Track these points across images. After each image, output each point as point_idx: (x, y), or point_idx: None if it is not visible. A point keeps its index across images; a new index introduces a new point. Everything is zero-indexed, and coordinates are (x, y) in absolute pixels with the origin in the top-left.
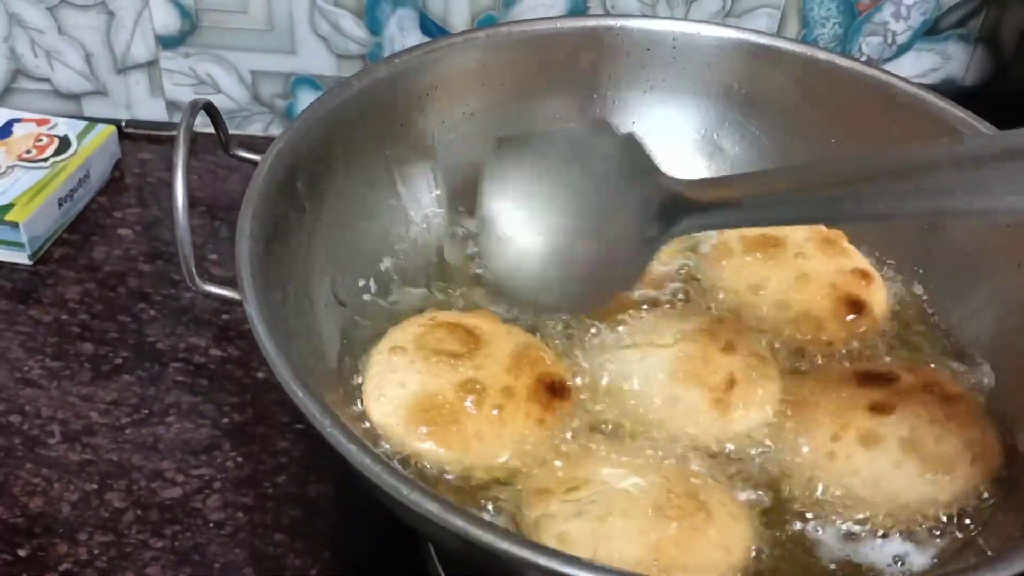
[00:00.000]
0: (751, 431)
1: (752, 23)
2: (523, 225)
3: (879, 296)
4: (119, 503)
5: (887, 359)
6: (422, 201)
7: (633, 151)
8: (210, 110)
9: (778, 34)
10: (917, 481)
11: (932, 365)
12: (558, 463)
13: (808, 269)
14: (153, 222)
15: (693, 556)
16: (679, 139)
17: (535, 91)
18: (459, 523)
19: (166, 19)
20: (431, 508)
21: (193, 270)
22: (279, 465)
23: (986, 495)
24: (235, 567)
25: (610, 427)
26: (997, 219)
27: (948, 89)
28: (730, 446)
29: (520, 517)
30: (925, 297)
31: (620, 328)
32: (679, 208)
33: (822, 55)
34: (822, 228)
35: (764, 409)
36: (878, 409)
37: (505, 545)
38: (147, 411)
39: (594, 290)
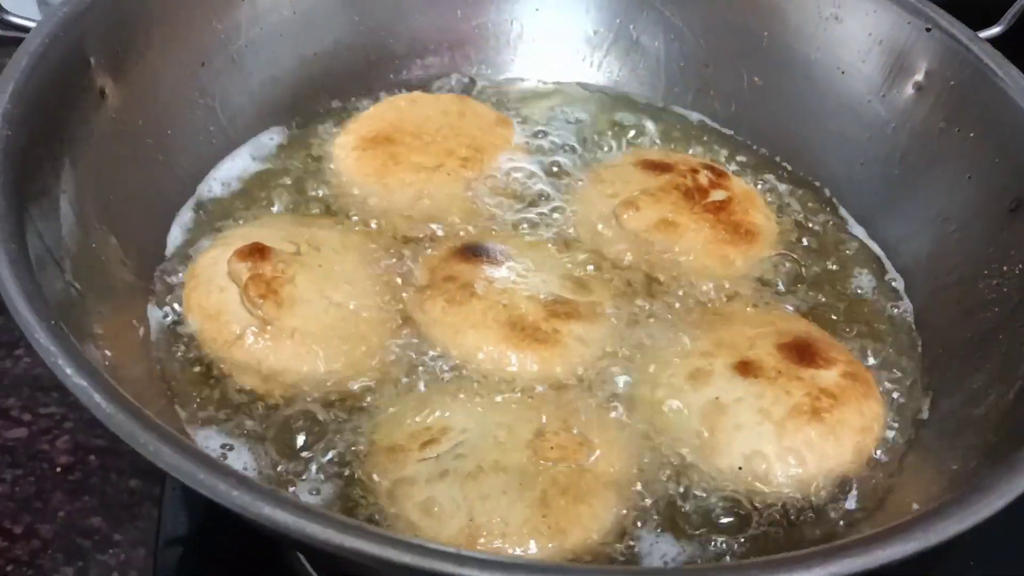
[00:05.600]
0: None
1: None
2: None
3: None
4: None
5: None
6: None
7: None
8: None
9: None
10: (688, 433)
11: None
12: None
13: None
14: None
15: (584, 502)
16: (589, 32)
17: None
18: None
19: None
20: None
21: None
22: None
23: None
24: (82, 515)
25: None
26: None
27: None
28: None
29: (371, 487)
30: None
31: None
32: None
33: None
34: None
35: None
36: (740, 368)
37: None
38: None
39: None
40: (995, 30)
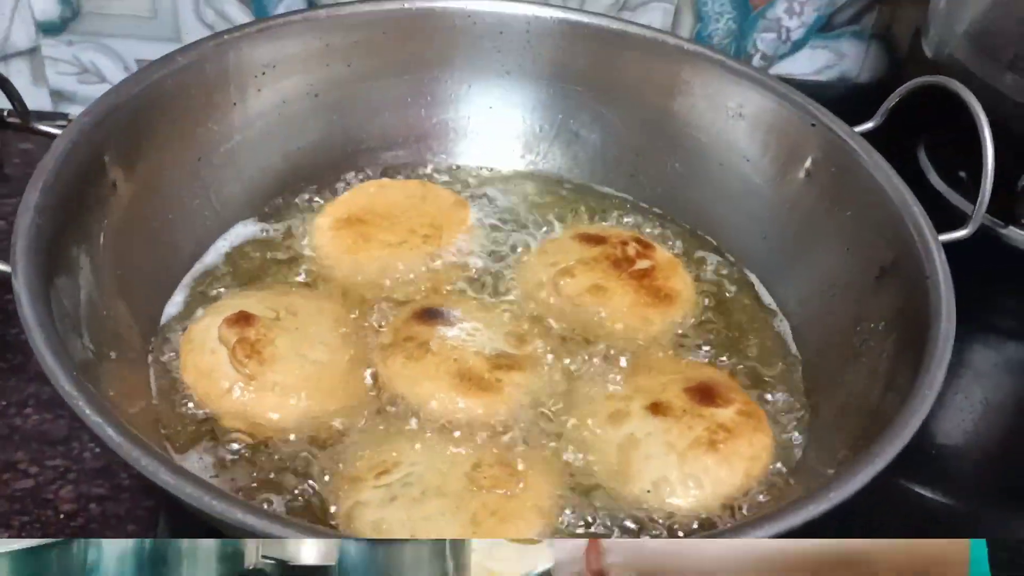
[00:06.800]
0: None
1: (646, 18)
2: None
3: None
4: None
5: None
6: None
7: None
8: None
9: (672, 30)
10: (607, 464)
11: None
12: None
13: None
14: None
15: (509, 522)
16: (535, 126)
17: (383, 72)
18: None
19: (46, 5)
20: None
21: None
22: None
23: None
24: None
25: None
26: None
27: (843, 86)
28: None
29: (333, 510)
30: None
31: None
32: None
33: (671, 40)
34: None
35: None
36: (652, 408)
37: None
38: (4, 402)
39: None
40: (868, 125)
